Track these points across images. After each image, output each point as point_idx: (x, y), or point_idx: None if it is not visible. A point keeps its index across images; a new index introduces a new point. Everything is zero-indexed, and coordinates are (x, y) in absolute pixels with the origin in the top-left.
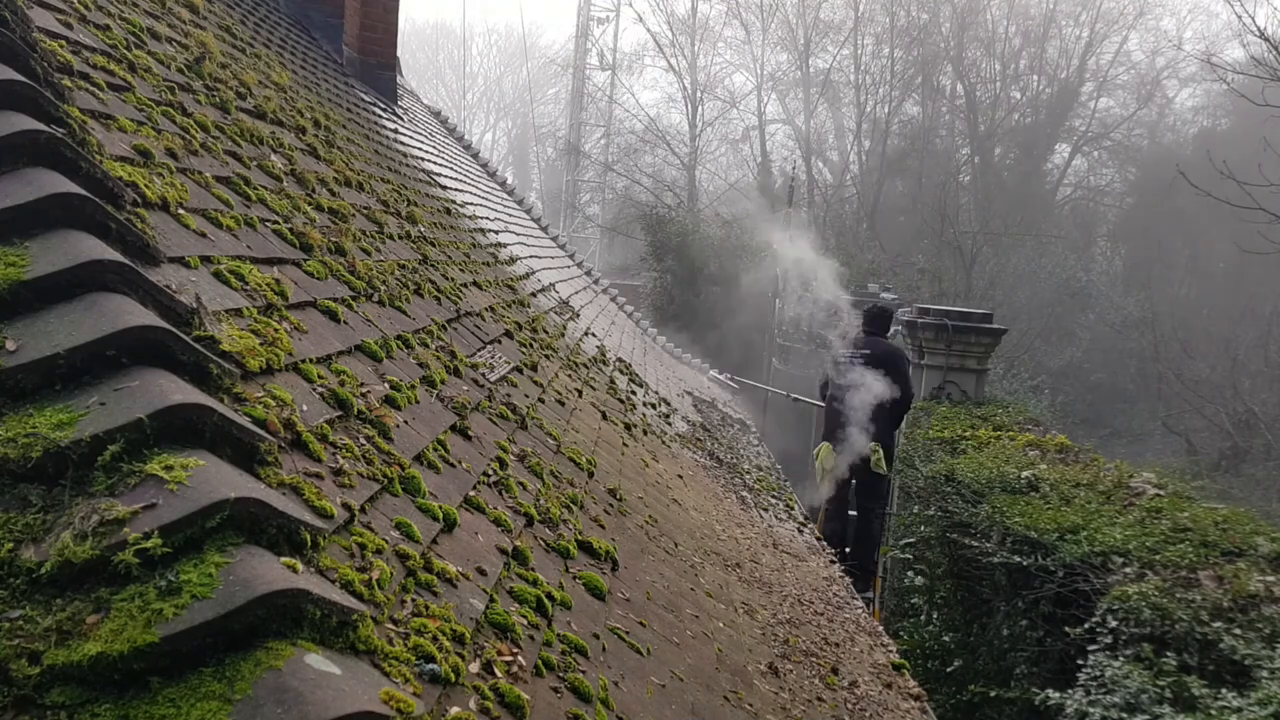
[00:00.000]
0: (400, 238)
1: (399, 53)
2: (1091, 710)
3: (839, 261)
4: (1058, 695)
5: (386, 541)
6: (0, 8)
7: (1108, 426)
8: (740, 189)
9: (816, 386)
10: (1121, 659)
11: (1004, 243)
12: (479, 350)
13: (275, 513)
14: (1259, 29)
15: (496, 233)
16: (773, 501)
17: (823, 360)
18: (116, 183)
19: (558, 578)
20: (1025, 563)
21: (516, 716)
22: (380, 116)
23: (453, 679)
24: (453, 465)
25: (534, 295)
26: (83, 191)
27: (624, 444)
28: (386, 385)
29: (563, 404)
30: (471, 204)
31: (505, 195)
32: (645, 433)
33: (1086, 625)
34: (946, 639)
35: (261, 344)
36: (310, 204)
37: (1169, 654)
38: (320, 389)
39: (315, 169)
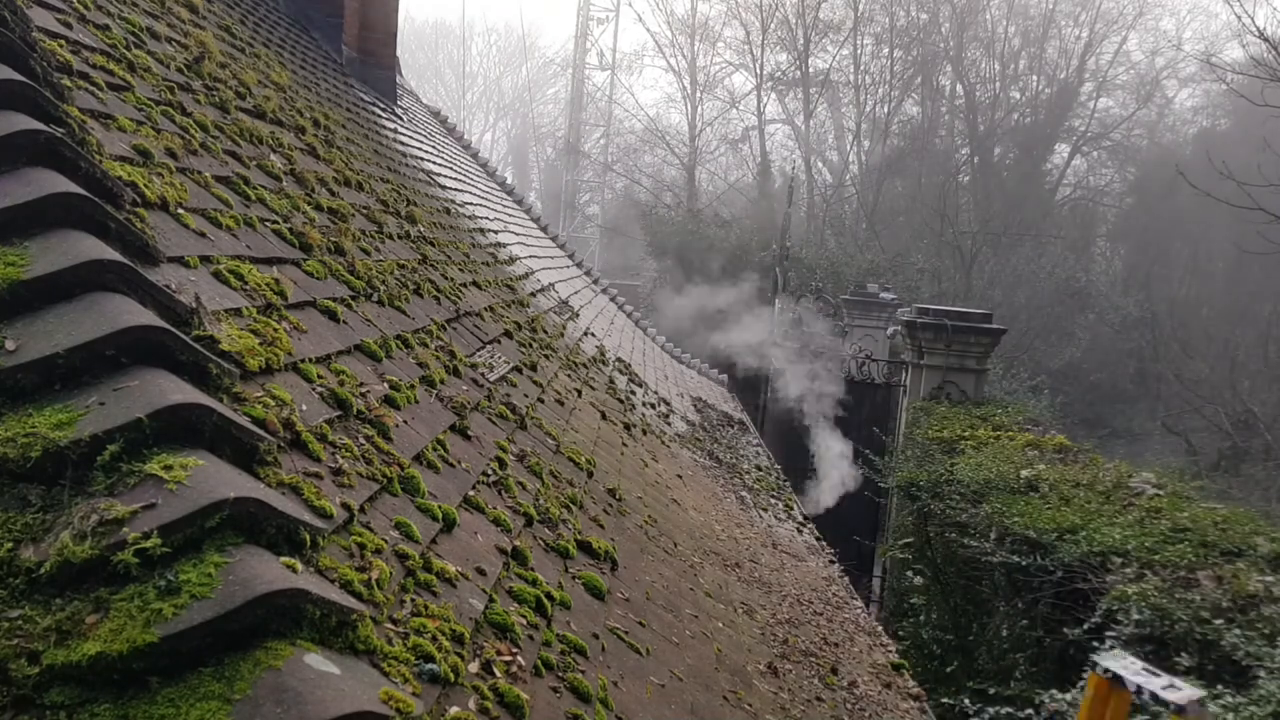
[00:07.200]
0: (400, 238)
1: (399, 53)
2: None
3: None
4: (1061, 696)
5: (386, 541)
6: (0, 7)
7: (1107, 426)
8: (740, 189)
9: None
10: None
11: (1003, 243)
12: (478, 350)
13: (274, 512)
14: (1259, 29)
15: (496, 233)
16: (772, 501)
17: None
18: (116, 182)
19: (557, 578)
20: (1024, 562)
21: (516, 716)
22: (380, 116)
23: (452, 679)
24: (452, 465)
25: (533, 295)
26: (82, 191)
27: (623, 444)
28: (386, 385)
29: (562, 404)
30: (471, 204)
31: (505, 195)
32: (644, 433)
33: (1085, 625)
34: (950, 639)
35: (261, 344)
36: (310, 204)
37: (1168, 654)
38: (320, 389)
39: (315, 169)
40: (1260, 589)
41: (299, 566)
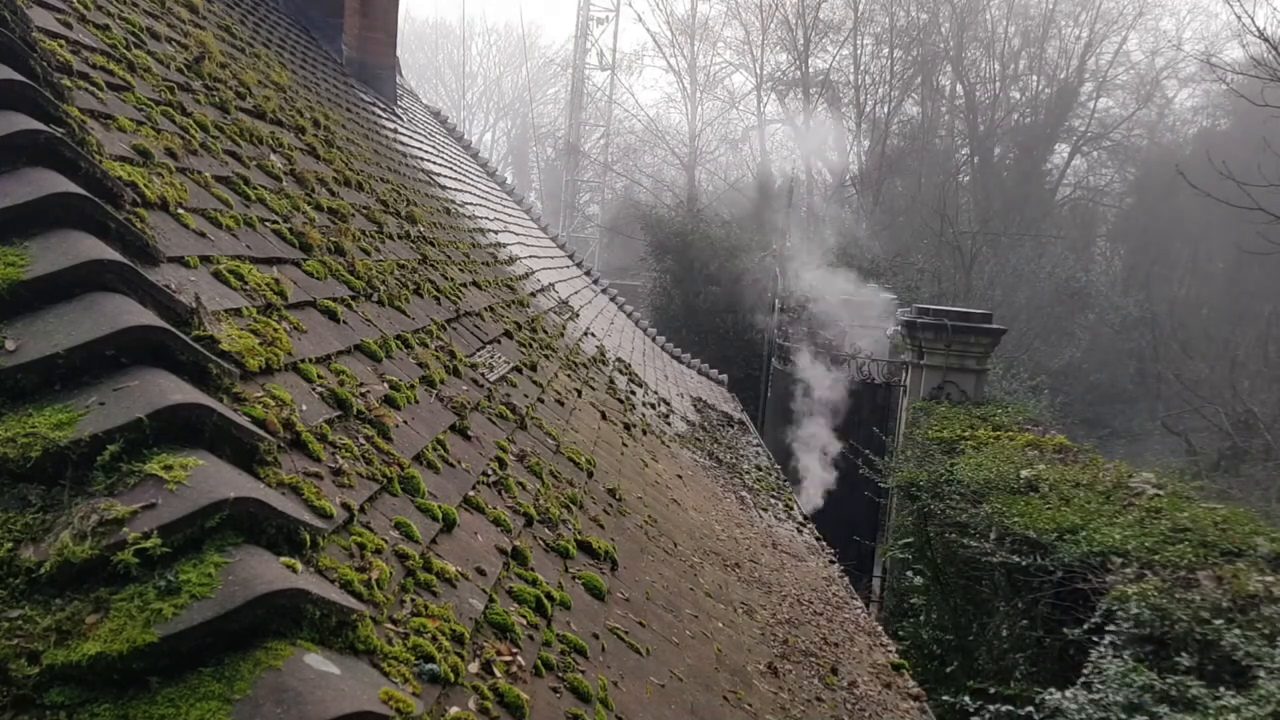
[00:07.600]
0: (400, 238)
1: (399, 53)
2: (1092, 712)
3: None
4: (1058, 695)
5: (386, 541)
6: (0, 7)
7: (1107, 426)
8: (740, 189)
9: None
10: (1118, 659)
11: (1003, 243)
12: (478, 350)
13: (274, 512)
14: (1259, 29)
15: (496, 233)
16: (772, 501)
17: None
18: (116, 182)
19: (557, 578)
20: (1024, 563)
21: (516, 716)
22: (380, 116)
23: (452, 679)
24: (452, 465)
25: (533, 295)
26: (82, 191)
27: (623, 444)
28: (386, 385)
29: (562, 404)
30: (471, 204)
31: (505, 195)
32: (644, 433)
33: (1085, 625)
34: (950, 638)
35: (261, 344)
36: (310, 204)
37: (1168, 654)
38: (320, 389)
39: (315, 169)
40: (1260, 589)
41: (299, 566)
